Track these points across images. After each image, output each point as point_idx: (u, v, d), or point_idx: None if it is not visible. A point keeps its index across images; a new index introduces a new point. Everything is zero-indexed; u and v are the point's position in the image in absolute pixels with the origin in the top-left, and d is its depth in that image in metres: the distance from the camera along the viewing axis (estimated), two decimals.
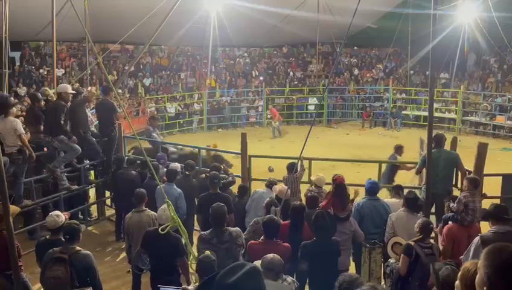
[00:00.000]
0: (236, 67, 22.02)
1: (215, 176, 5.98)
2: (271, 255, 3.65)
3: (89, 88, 8.94)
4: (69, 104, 7.36)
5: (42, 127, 7.16)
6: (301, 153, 5.50)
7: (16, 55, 17.51)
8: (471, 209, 5.05)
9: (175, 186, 6.19)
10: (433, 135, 5.55)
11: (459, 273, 1.91)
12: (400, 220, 5.04)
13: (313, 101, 20.68)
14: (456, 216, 5.01)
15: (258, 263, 3.64)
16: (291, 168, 6.44)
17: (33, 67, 17.17)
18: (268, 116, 19.25)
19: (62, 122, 7.09)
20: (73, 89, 8.00)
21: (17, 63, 17.31)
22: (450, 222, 5.06)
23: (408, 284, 4.27)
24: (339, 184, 5.21)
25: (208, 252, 3.75)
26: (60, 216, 4.42)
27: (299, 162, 6.86)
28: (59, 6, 9.23)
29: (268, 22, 17.27)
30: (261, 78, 21.54)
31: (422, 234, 4.32)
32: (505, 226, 4.02)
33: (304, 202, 5.60)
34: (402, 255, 4.34)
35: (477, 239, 3.98)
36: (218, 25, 16.59)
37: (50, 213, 4.58)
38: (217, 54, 21.13)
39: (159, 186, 6.04)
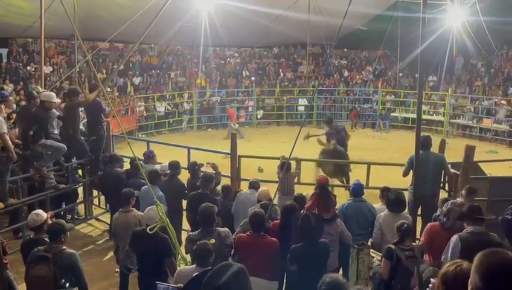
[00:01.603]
0: (227, 67, 22.00)
1: (207, 176, 5.97)
2: None
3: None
4: (53, 110, 7.20)
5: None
6: (291, 153, 5.50)
7: (3, 51, 17.29)
8: (452, 217, 5.10)
9: (157, 188, 5.98)
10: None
11: (440, 272, 1.94)
12: (386, 222, 5.06)
13: (303, 102, 20.76)
14: (440, 217, 5.04)
15: None
16: (284, 166, 6.43)
17: (20, 64, 16.95)
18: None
19: (31, 132, 6.90)
20: (70, 90, 7.90)
21: (4, 60, 17.08)
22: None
23: (391, 288, 4.28)
24: (322, 185, 5.22)
25: (212, 241, 3.85)
26: (39, 215, 4.34)
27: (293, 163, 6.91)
28: (48, 2, 9.13)
29: (259, 22, 17.27)
30: (252, 78, 21.55)
31: (400, 236, 4.33)
32: (481, 227, 4.08)
33: None
34: (383, 259, 4.35)
35: (455, 238, 4.03)
36: (209, 25, 16.55)
37: (31, 212, 4.51)
38: (208, 54, 21.09)
39: (143, 188, 6.02)
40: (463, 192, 5.46)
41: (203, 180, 5.89)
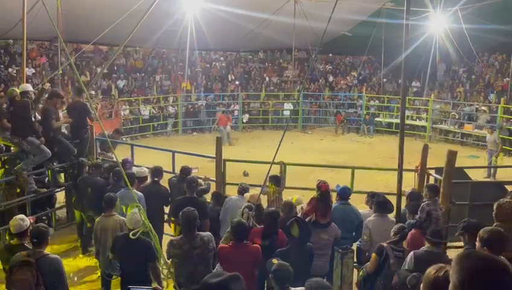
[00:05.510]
0: (212, 70, 21.95)
1: (193, 179, 5.89)
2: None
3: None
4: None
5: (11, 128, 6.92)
6: (274, 158, 5.49)
7: None
8: (435, 218, 5.19)
9: (134, 190, 5.83)
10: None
11: (423, 278, 1.97)
12: (376, 226, 5.08)
13: (288, 106, 20.83)
14: (419, 223, 5.07)
15: None
16: (275, 180, 6.35)
17: (2, 66, 16.64)
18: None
19: (32, 118, 6.87)
20: (44, 90, 7.79)
21: None
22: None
23: (375, 283, 4.45)
24: (325, 192, 5.21)
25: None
26: (24, 220, 4.25)
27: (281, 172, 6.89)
28: (31, 3, 8.98)
29: (245, 26, 17.32)
30: (237, 82, 21.54)
31: (398, 238, 4.46)
32: (438, 248, 4.19)
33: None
34: (374, 254, 4.48)
35: (411, 254, 4.13)
36: (195, 28, 16.52)
37: (14, 217, 4.37)
38: (194, 57, 21.03)
39: (119, 192, 5.92)
40: (424, 189, 5.58)
41: (188, 184, 5.77)
